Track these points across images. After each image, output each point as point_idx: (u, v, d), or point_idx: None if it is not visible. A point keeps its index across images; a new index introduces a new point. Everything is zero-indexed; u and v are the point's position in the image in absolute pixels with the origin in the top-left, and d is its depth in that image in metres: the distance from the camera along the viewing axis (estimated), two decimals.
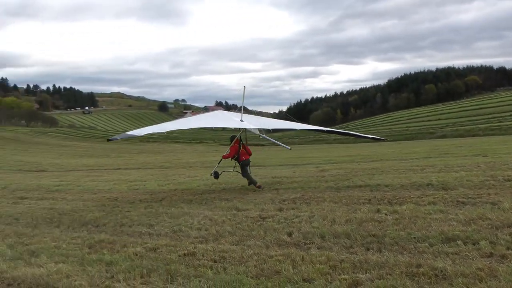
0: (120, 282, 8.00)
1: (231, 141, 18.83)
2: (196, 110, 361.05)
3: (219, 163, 19.52)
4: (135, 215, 14.52)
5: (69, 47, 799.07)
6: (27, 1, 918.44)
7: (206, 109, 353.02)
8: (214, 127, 19.58)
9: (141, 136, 17.86)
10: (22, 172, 42.76)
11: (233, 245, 9.84)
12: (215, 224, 12.03)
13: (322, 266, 7.89)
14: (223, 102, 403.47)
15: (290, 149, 23.25)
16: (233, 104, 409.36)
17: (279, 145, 21.25)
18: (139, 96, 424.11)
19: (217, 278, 7.78)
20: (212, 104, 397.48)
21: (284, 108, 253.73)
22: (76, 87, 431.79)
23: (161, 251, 9.82)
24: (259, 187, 18.17)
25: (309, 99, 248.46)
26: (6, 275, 9.14)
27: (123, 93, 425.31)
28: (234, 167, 19.28)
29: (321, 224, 10.78)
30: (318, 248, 9.02)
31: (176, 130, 21.09)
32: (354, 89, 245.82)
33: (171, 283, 7.80)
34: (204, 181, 22.73)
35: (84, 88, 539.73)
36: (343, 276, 7.35)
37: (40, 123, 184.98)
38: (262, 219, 12.06)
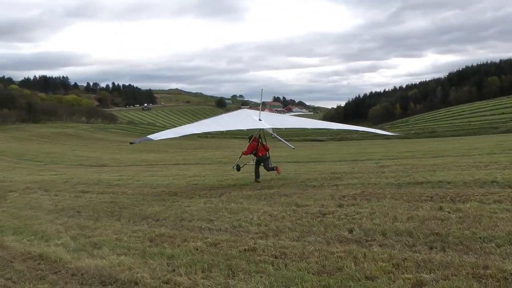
0: (181, 276, 8.07)
1: (249, 139, 20.68)
2: (254, 106, 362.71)
3: (239, 158, 21.46)
4: (195, 210, 14.65)
5: (128, 46, 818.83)
6: (86, 2, 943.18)
7: (264, 104, 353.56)
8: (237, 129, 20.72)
9: (157, 140, 19.12)
10: (83, 167, 43.92)
11: (293, 241, 9.78)
12: (275, 219, 12.01)
13: (384, 264, 7.75)
14: (281, 97, 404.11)
15: (294, 148, 24.41)
16: (290, 100, 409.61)
17: (285, 143, 22.61)
18: (196, 92, 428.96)
19: (278, 274, 7.74)
20: (270, 99, 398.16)
21: (342, 103, 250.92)
22: (135, 84, 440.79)
23: (222, 246, 9.85)
24: (257, 181, 20.17)
25: (368, 94, 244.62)
26: (70, 265, 9.40)
27: (181, 90, 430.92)
28: (252, 160, 20.84)
29: (382, 221, 10.63)
30: (380, 246, 8.87)
31: (200, 133, 21.85)
32: (413, 83, 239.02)
33: (232, 279, 7.80)
34: (262, 177, 22.69)
35: (143, 85, 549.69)
36: (406, 275, 7.19)
37: (100, 119, 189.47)
38: (322, 215, 11.97)
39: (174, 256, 9.26)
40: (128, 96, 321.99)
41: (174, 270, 8.45)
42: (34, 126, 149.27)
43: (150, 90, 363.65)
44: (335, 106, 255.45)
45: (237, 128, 21.33)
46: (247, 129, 20.79)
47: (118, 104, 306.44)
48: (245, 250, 9.36)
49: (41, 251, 10.73)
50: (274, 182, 20.16)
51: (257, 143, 20.48)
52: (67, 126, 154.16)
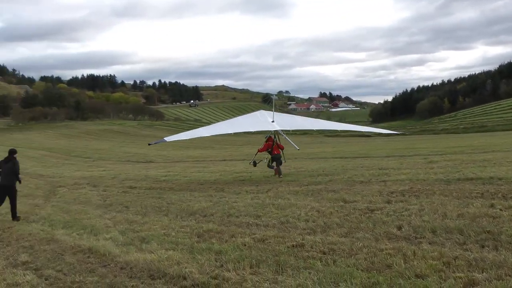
0: (229, 272, 8.07)
1: (266, 139, 23.18)
2: (300, 102, 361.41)
3: (255, 155, 23.75)
4: (242, 205, 14.71)
5: (174, 44, 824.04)
6: (134, 2, 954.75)
7: (310, 100, 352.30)
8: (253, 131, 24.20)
9: (170, 141, 21.95)
10: (130, 163, 44.63)
11: (341, 237, 9.70)
12: (323, 215, 11.96)
13: (435, 262, 7.59)
14: (327, 93, 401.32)
15: (299, 149, 25.73)
16: (337, 95, 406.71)
17: (292, 144, 24.08)
18: (242, 89, 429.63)
19: (327, 270, 7.66)
20: (316, 95, 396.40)
21: (390, 98, 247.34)
22: (181, 81, 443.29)
23: (269, 242, 9.83)
24: (277, 173, 22.25)
25: (415, 88, 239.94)
26: (119, 259, 9.53)
27: (227, 86, 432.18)
28: (266, 158, 22.98)
29: (431, 218, 10.45)
30: (429, 243, 8.71)
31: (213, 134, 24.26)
32: (462, 76, 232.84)
33: (280, 274, 7.76)
34: (309, 172, 22.67)
35: (189, 82, 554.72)
36: (458, 274, 7.01)
37: (146, 116, 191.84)
38: (370, 211, 11.88)
39: (222, 252, 9.29)
40: (174, 93, 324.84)
41: (222, 266, 8.46)
42: (82, 123, 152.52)
43: (196, 87, 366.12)
44: (382, 101, 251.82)
45: (249, 130, 24.09)
46: (255, 131, 23.67)
47: (165, 101, 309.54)
48: (293, 246, 9.32)
49: (91, 245, 10.93)
50: (321, 178, 20.10)
51: (272, 143, 22.67)
52: (114, 123, 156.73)
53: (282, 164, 23.10)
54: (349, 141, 69.82)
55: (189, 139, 24.12)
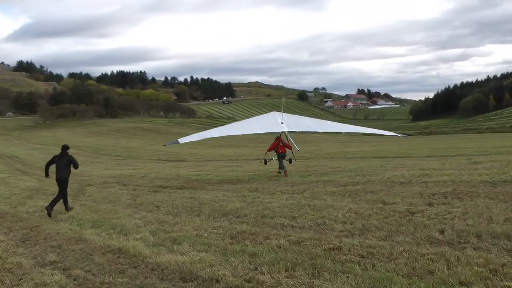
0: (264, 275, 8.06)
1: (275, 139, 25.08)
2: (337, 99, 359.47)
3: (265, 154, 25.79)
4: (277, 206, 14.68)
5: (206, 39, 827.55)
6: None
7: (347, 97, 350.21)
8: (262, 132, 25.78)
9: (183, 143, 24.17)
10: (161, 162, 44.96)
11: (381, 240, 9.62)
12: (361, 217, 11.89)
13: (480, 269, 7.45)
14: (365, 90, 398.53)
15: (298, 150, 26.62)
16: (375, 92, 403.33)
17: (294, 145, 25.45)
18: (277, 85, 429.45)
19: (366, 275, 7.61)
20: (354, 92, 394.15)
21: (431, 95, 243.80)
22: (214, 77, 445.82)
23: (306, 244, 9.80)
24: (279, 173, 24.00)
25: (458, 85, 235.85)
26: (149, 260, 9.60)
27: (261, 82, 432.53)
28: (273, 156, 24.92)
29: (476, 222, 10.27)
30: (474, 249, 8.57)
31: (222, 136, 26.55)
32: (509, 72, 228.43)
33: (317, 278, 7.73)
34: (347, 173, 22.51)
35: (222, 78, 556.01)
36: (506, 283, 6.87)
37: (178, 114, 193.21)
38: (411, 214, 11.76)
39: (256, 254, 9.28)
40: (206, 89, 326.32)
41: (256, 269, 8.46)
42: (111, 121, 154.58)
43: (229, 83, 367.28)
44: (423, 98, 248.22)
45: (258, 132, 25.65)
46: (263, 133, 25.97)
47: (197, 98, 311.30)
48: (330, 248, 9.28)
49: (120, 245, 11.03)
50: (359, 178, 19.97)
51: (278, 142, 24.67)
52: (144, 120, 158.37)
53: (292, 162, 25.47)
54: (388, 140, 69.06)
55: (202, 139, 25.90)
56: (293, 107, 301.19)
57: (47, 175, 18.70)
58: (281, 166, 24.28)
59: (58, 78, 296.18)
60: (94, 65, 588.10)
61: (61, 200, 18.37)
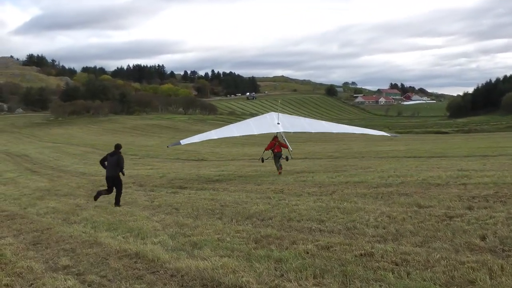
0: (291, 282, 8.01)
1: (272, 139, 27.48)
2: (368, 94, 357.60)
3: (263, 152, 28.35)
4: (304, 209, 14.64)
5: (228, 30, 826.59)
6: None
7: (379, 92, 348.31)
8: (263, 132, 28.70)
9: (185, 144, 26.90)
10: (180, 161, 45.23)
11: (416, 246, 9.51)
12: (394, 221, 11.80)
13: None
14: (399, 84, 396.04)
15: (292, 150, 28.44)
16: (410, 87, 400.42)
17: (288, 146, 27.54)
18: (304, 80, 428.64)
19: (400, 283, 7.52)
20: (386, 86, 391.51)
21: (471, 90, 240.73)
22: (236, 71, 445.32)
23: (335, 249, 9.74)
24: (280, 173, 26.14)
25: (501, 78, 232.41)
26: (168, 265, 9.61)
27: (287, 77, 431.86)
28: (271, 155, 27.53)
29: None
30: None
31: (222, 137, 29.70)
32: None
33: (347, 286, 7.67)
34: (379, 174, 22.41)
35: (245, 72, 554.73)
36: None
37: (198, 110, 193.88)
38: (448, 218, 11.63)
39: (282, 260, 9.24)
40: (229, 84, 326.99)
41: (282, 275, 8.42)
42: (127, 117, 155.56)
43: (253, 77, 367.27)
44: (461, 93, 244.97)
45: (255, 133, 28.21)
46: (259, 133, 28.51)
47: (218, 94, 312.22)
48: (361, 255, 9.21)
49: (138, 249, 11.06)
50: (392, 179, 19.86)
51: (275, 142, 27.12)
52: (162, 117, 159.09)
53: (288, 160, 28.02)
54: (423, 139, 68.76)
55: (203, 140, 29.59)
56: (321, 102, 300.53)
57: (105, 168, 20.36)
58: (277, 164, 26.92)
59: (71, 72, 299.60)
60: (109, 58, 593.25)
61: (104, 195, 20.33)
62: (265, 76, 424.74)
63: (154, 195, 21.59)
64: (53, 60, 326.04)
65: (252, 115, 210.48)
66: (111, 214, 17.16)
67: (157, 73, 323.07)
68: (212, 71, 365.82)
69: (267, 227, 12.65)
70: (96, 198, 20.03)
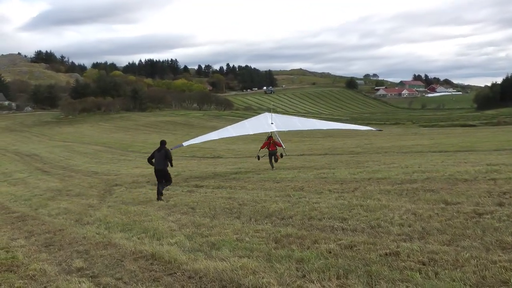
0: (313, 283, 8.02)
1: (267, 138, 29.58)
2: (390, 87, 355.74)
3: (259, 151, 30.08)
4: (325, 207, 14.64)
5: (243, 22, 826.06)
6: None
7: (402, 84, 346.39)
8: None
9: (187, 145, 29.52)
10: (195, 159, 45.34)
11: (444, 245, 9.48)
12: (420, 219, 11.76)
13: None
14: (422, 76, 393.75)
15: (285, 148, 30.24)
16: (434, 78, 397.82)
17: (282, 145, 29.61)
18: (323, 72, 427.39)
19: (428, 284, 7.51)
20: (409, 78, 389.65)
21: (499, 80, 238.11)
22: (252, 65, 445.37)
23: (359, 249, 9.74)
24: (272, 167, 28.74)
25: None
26: (186, 267, 9.65)
27: (305, 70, 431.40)
28: (268, 153, 29.23)
29: None
30: None
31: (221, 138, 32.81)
32: None
33: (372, 287, 7.66)
34: (403, 169, 22.31)
35: (261, 66, 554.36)
36: None
37: (213, 106, 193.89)
38: (478, 215, 11.57)
39: (303, 260, 9.26)
40: (244, 78, 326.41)
41: (304, 276, 8.43)
42: (140, 114, 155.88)
43: (269, 71, 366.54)
44: (489, 84, 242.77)
45: (251, 133, 31.10)
46: (254, 133, 31.42)
47: (234, 88, 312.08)
48: (386, 254, 9.21)
49: (154, 250, 11.11)
50: (417, 175, 19.75)
51: (269, 141, 29.14)
52: (176, 114, 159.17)
53: (283, 157, 30.12)
54: (449, 132, 68.36)
55: (204, 141, 33.10)
56: (341, 96, 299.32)
57: (153, 165, 22.33)
58: (271, 162, 29.22)
59: (81, 69, 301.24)
60: (120, 54, 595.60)
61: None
62: (282, 69, 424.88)
63: (170, 194, 21.69)
64: (62, 57, 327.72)
65: (269, 109, 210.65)
66: (125, 215, 17.26)
67: (170, 68, 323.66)
68: (227, 65, 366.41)
69: (287, 226, 12.67)
70: (159, 198, 20.82)
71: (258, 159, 30.34)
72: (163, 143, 22.50)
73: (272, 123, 30.22)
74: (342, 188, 18.30)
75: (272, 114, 31.71)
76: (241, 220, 14.12)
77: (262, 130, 30.63)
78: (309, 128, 36.64)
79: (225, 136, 32.31)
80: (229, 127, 33.12)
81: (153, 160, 22.29)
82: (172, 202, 19.26)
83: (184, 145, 30.03)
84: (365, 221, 12.12)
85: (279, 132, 31.00)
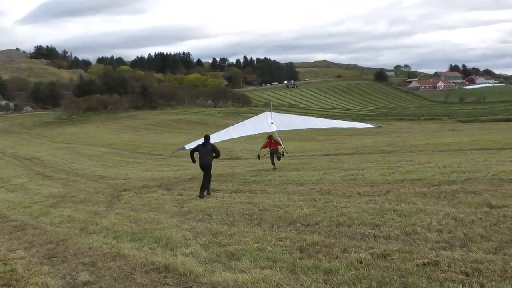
0: None
1: (268, 137, 31.34)
2: (423, 78, 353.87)
3: (260, 150, 32.09)
4: (354, 212, 14.58)
5: (261, 11, 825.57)
6: None
7: (437, 76, 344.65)
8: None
9: (188, 148, 28.84)
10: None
11: (489, 253, 9.37)
12: (461, 225, 11.64)
13: None
14: (460, 66, 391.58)
15: (284, 148, 31.95)
16: (473, 68, 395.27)
17: (281, 144, 31.44)
18: (349, 64, 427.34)
19: None
20: (445, 69, 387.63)
21: None
22: (272, 57, 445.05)
23: (393, 258, 9.67)
24: (274, 168, 30.25)
25: None
26: (203, 279, 9.62)
27: (329, 61, 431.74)
28: (269, 152, 31.15)
29: None
30: None
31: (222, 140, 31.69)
32: None
33: None
34: (440, 169, 22.14)
35: (281, 58, 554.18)
36: None
37: (230, 102, 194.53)
38: None
39: (332, 271, 9.22)
40: (264, 72, 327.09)
41: None
42: (150, 113, 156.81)
43: (291, 63, 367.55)
44: None
45: (251, 133, 32.69)
46: (255, 134, 32.80)
47: (252, 83, 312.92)
48: (424, 264, 9.13)
49: (167, 262, 11.11)
50: (456, 175, 19.57)
51: (270, 140, 30.89)
52: (190, 111, 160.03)
53: (285, 156, 32.16)
54: (491, 128, 67.90)
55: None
56: (369, 89, 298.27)
57: (193, 161, 24.36)
58: (272, 161, 30.88)
59: (85, 64, 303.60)
60: (128, 47, 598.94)
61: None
62: (304, 61, 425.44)
63: (183, 200, 21.70)
64: (64, 51, 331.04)
65: (291, 105, 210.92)
66: (135, 222, 17.30)
67: (182, 62, 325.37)
68: (245, 57, 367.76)
69: (313, 233, 12.63)
70: (203, 195, 22.20)
71: (259, 158, 32.37)
72: (208, 138, 24.21)
73: (272, 123, 31.77)
74: (373, 191, 18.21)
75: (272, 113, 33.20)
76: (262, 227, 14.11)
77: (263, 130, 32.26)
78: (309, 127, 39.02)
79: (226, 138, 33.00)
80: (230, 127, 34.94)
81: (195, 154, 24.02)
82: (186, 208, 19.25)
83: (187, 148, 30.99)
84: (399, 227, 12.03)
85: (279, 131, 32.34)
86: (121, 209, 20.98)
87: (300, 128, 36.16)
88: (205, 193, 22.57)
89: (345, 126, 41.46)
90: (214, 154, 23.80)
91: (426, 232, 11.31)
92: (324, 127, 40.28)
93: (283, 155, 31.67)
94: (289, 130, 36.34)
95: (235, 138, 34.24)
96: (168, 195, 23.62)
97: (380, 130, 66.59)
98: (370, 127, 43.55)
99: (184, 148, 32.06)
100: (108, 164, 51.31)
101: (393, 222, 12.69)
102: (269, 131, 31.66)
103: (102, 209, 21.85)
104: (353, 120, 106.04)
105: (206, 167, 23.35)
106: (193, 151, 24.43)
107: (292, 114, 53.25)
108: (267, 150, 31.22)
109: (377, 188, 18.72)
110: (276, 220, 14.76)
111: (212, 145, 24.01)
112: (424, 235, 11.12)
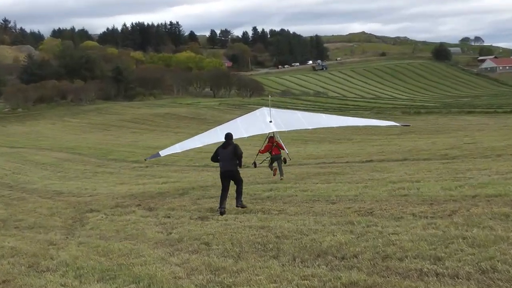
0: None
1: (268, 140, 32.63)
2: (502, 55, 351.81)
3: (256, 156, 33.51)
4: (407, 239, 14.56)
5: None
6: None
7: None
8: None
9: (164, 156, 32.86)
10: (209, 169, 45.20)
11: None
12: None
13: None
14: None
15: (288, 153, 33.37)
16: None
17: (284, 149, 32.80)
18: (397, 37, 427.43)
19: None
20: None
21: None
22: (291, 29, 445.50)
23: None
24: (275, 174, 32.10)
25: None
26: None
27: (369, 34, 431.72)
28: (267, 158, 32.94)
29: None
30: None
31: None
32: None
33: None
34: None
35: (304, 30, 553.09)
36: None
37: (234, 90, 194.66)
38: None
39: None
40: (280, 49, 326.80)
41: None
42: (126, 105, 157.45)
43: (317, 37, 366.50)
44: None
45: (245, 135, 32.09)
46: (248, 136, 32.56)
47: (265, 64, 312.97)
48: None
49: None
50: None
51: (272, 144, 32.20)
52: (180, 103, 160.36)
53: (287, 162, 33.28)
54: None
55: (185, 150, 34.78)
56: (425, 72, 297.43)
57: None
58: (271, 167, 32.49)
59: (35, 39, 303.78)
60: (94, 15, 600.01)
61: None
62: (336, 33, 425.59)
63: (172, 223, 21.68)
64: (5, 21, 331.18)
65: (318, 94, 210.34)
66: (105, 255, 17.26)
67: (169, 36, 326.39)
68: (254, 29, 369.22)
69: (350, 269, 12.62)
70: (222, 212, 22.77)
71: (255, 166, 33.82)
72: (229, 136, 24.42)
73: (271, 121, 32.37)
74: (433, 210, 18.13)
75: (271, 109, 33.49)
76: (281, 261, 14.06)
77: (258, 131, 32.99)
78: (316, 126, 38.91)
79: (213, 142, 31.76)
80: (218, 128, 34.58)
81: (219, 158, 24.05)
82: (175, 235, 19.22)
83: (162, 155, 32.96)
84: (471, 262, 11.98)
85: (279, 132, 33.35)
86: (86, 237, 20.98)
87: (306, 127, 36.46)
88: (237, 205, 23.13)
89: (362, 124, 42.14)
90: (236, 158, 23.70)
91: (510, 268, 11.24)
92: (333, 125, 40.16)
93: (285, 162, 32.59)
94: (292, 130, 36.68)
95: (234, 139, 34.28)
96: (150, 217, 23.60)
97: (429, 128, 66.79)
98: (395, 125, 43.68)
99: (159, 155, 33.20)
100: (68, 175, 51.35)
101: (462, 254, 12.65)
102: (267, 132, 32.48)
103: (60, 238, 21.80)
104: (404, 113, 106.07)
105: (227, 175, 23.56)
106: (214, 156, 24.53)
107: (297, 110, 56.12)
108: (267, 155, 32.26)
109: (439, 207, 18.68)
110: (300, 252, 14.72)
111: (235, 146, 23.87)
112: (507, 273, 11.05)
